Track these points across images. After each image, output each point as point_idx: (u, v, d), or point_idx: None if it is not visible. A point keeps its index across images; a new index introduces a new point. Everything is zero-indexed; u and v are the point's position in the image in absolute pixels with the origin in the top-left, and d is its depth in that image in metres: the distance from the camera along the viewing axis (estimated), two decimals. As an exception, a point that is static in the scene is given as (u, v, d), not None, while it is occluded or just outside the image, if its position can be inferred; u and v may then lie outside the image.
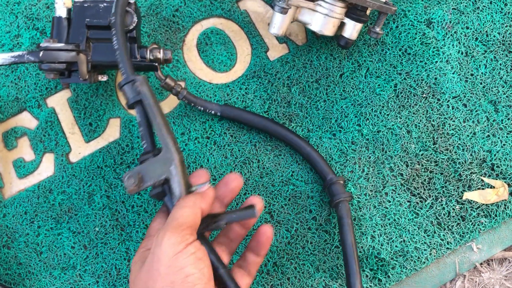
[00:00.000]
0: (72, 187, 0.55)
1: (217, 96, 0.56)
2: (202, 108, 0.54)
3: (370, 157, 0.54)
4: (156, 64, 0.50)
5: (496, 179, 0.52)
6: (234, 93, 0.56)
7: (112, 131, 0.56)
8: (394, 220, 0.52)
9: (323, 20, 0.50)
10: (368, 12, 0.52)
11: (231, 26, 0.59)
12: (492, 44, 0.56)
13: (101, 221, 0.54)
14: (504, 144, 0.53)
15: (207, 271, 0.38)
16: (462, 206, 0.52)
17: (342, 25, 0.52)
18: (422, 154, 0.53)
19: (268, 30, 0.52)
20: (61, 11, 0.50)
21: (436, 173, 0.53)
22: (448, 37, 0.56)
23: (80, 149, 0.56)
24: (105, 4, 0.50)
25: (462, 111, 0.54)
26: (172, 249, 0.37)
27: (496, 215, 0.52)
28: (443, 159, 0.53)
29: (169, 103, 0.57)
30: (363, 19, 0.51)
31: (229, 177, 0.45)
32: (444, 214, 0.52)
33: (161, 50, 0.50)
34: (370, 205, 0.53)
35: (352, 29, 0.51)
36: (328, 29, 0.51)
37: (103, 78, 0.53)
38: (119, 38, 0.44)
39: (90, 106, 0.57)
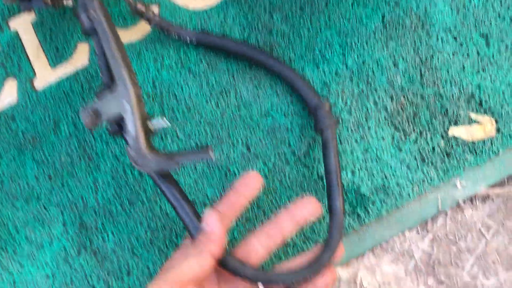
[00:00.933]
0: (37, 115, 0.52)
1: (193, 23, 0.53)
2: (176, 36, 0.51)
3: (354, 90, 0.51)
4: None
5: (484, 115, 0.51)
6: (212, 20, 0.53)
7: (81, 57, 0.53)
8: (376, 155, 0.50)
9: None
10: None
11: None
12: (487, -25, 0.53)
13: (67, 150, 0.51)
14: (494, 80, 0.51)
15: None
16: (448, 142, 0.50)
17: None
18: (408, 88, 0.51)
19: None
20: None
21: (422, 108, 0.51)
22: (441, -34, 0.53)
23: (46, 75, 0.53)
24: None
25: (452, 44, 0.52)
26: None
27: (482, 152, 0.50)
28: (429, 93, 0.51)
29: (142, 29, 0.53)
30: None
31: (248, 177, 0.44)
32: (428, 150, 0.50)
33: None
34: (351, 139, 0.51)
35: None
36: None
37: (67, 2, 0.49)
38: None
39: (56, 30, 0.53)
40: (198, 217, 0.41)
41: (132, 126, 0.38)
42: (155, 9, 0.53)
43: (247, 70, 0.52)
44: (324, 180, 0.49)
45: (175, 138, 0.51)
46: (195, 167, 0.50)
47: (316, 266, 0.41)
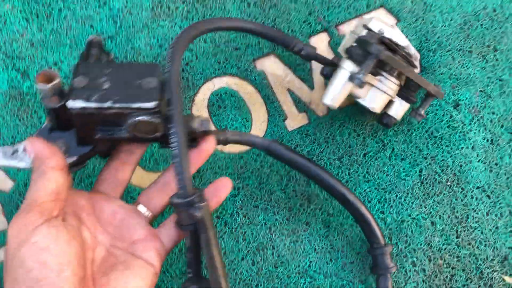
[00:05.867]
0: None
1: (229, 169, 0.52)
2: (248, 144, 0.48)
3: (392, 249, 0.51)
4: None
5: (517, 279, 0.52)
6: (248, 166, 0.52)
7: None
8: (415, 320, 0.50)
9: (378, 97, 0.49)
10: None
11: (246, 87, 0.54)
12: (517, 133, 0.55)
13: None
14: (525, 242, 0.53)
15: (55, 262, 0.33)
16: (484, 307, 0.51)
17: (389, 103, 0.50)
18: (445, 248, 0.52)
19: (322, 99, 0.48)
20: None
21: (458, 270, 0.52)
22: (475, 122, 0.55)
23: None
24: None
25: (486, 203, 0.54)
26: (15, 239, 0.34)
27: (516, 318, 0.51)
28: (465, 254, 0.52)
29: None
30: (412, 99, 0.50)
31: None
32: (465, 315, 0.51)
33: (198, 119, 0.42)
34: (391, 303, 0.50)
35: (399, 109, 0.50)
36: (380, 106, 0.50)
37: None
38: (180, 138, 0.36)
39: (80, 170, 0.50)
40: None
41: None
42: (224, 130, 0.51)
43: (284, 223, 0.51)
44: None
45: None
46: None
47: None
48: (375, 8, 0.58)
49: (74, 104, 0.36)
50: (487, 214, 0.54)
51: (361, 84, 0.45)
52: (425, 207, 0.53)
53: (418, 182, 0.54)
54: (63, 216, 0.37)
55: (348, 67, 0.47)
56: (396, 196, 0.53)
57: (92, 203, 0.41)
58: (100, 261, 0.39)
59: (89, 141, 0.39)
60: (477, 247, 0.53)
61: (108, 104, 0.36)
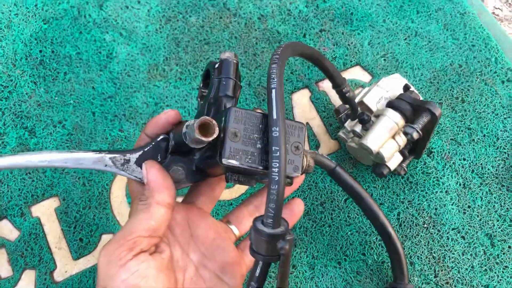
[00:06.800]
0: (56, 312, 0.52)
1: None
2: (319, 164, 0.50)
3: (391, 290, 0.55)
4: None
5: (494, 316, 0.55)
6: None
7: (105, 249, 0.54)
8: None
9: (393, 148, 0.52)
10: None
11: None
12: (487, 177, 0.60)
13: None
14: (500, 279, 0.56)
15: None
16: None
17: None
18: (424, 288, 0.55)
19: (363, 141, 0.52)
20: None
21: (437, 308, 0.55)
22: (447, 168, 0.60)
23: (67, 267, 0.53)
24: None
25: (461, 244, 0.57)
26: (104, 274, 0.34)
27: None
28: (444, 293, 0.55)
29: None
30: (406, 154, 0.55)
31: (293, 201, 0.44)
32: None
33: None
34: None
35: (396, 161, 0.55)
36: (391, 156, 0.53)
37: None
38: (281, 169, 0.33)
39: (81, 220, 0.55)
40: None
41: None
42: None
43: (272, 266, 0.55)
44: None
45: None
46: None
47: None
48: (352, 66, 0.64)
49: (228, 161, 0.35)
50: (463, 254, 0.57)
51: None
52: (404, 249, 0.57)
53: (396, 225, 0.58)
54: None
55: (392, 116, 0.52)
56: (376, 238, 0.57)
57: (188, 217, 0.41)
58: (189, 283, 0.38)
59: (210, 174, 0.40)
60: (455, 286, 0.56)
61: (258, 167, 0.35)
